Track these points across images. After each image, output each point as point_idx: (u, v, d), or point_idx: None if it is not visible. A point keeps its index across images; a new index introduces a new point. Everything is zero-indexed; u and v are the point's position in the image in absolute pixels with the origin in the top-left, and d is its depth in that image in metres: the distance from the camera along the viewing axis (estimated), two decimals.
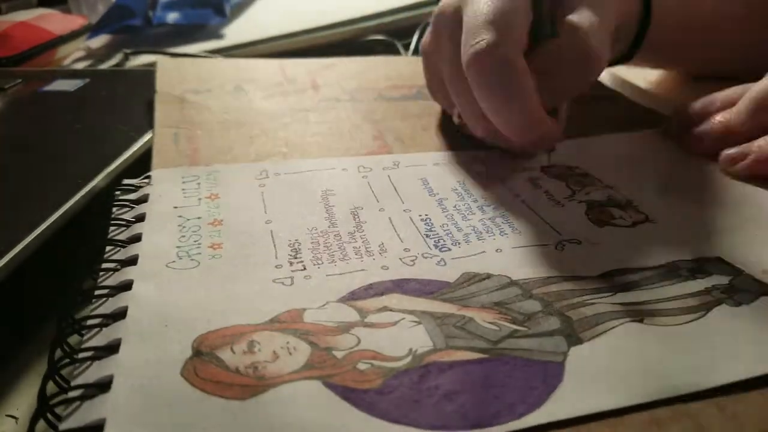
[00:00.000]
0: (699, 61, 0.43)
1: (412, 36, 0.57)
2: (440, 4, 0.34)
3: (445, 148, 0.35)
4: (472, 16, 0.29)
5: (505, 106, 0.29)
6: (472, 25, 0.29)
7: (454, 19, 0.31)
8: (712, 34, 0.40)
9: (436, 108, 0.40)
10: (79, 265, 0.25)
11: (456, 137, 0.36)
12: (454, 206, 0.29)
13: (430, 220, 0.28)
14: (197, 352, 0.20)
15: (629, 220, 0.28)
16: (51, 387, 0.19)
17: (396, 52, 0.56)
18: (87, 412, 0.18)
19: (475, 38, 0.28)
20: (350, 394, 0.18)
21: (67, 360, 0.20)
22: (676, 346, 0.20)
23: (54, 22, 0.60)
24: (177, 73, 0.43)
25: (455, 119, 0.36)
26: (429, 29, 0.35)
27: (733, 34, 0.40)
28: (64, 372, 0.20)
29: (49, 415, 0.19)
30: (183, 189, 0.29)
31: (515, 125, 0.29)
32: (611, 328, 0.21)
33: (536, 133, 0.29)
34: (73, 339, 0.21)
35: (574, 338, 0.20)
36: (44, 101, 0.43)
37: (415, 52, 0.56)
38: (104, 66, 0.57)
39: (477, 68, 0.28)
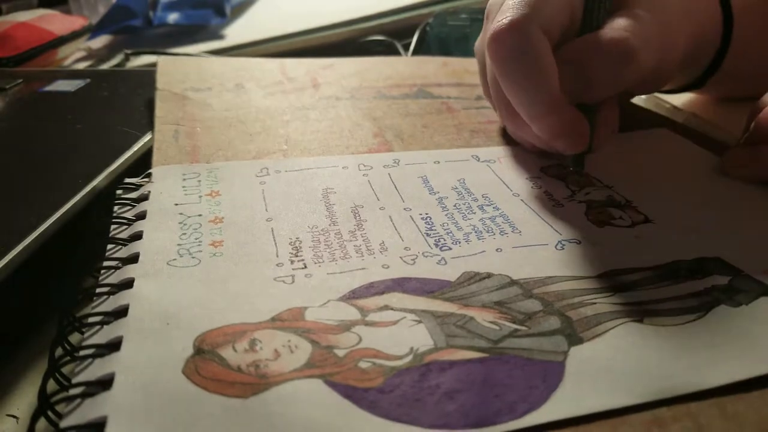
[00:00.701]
0: None
1: (412, 36, 0.57)
2: None
3: (446, 146, 0.35)
4: (507, 1, 0.29)
5: (520, 86, 0.28)
6: (504, 7, 0.29)
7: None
8: None
9: (436, 106, 0.40)
10: (79, 265, 0.25)
11: (455, 135, 0.36)
12: (455, 205, 0.29)
13: (431, 218, 0.28)
14: (199, 350, 0.20)
15: (629, 220, 0.28)
16: (51, 385, 0.19)
17: (396, 53, 0.56)
18: (88, 410, 0.18)
19: (499, 17, 0.28)
20: (351, 393, 0.18)
21: (67, 358, 0.20)
22: (676, 346, 0.20)
23: (55, 22, 0.60)
24: (178, 72, 0.43)
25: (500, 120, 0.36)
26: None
27: None
28: (64, 370, 0.20)
29: (49, 413, 0.19)
30: (184, 186, 0.29)
31: (531, 107, 0.28)
32: (611, 328, 0.21)
33: (553, 120, 0.28)
34: (74, 337, 0.21)
35: (574, 338, 0.20)
36: (45, 101, 0.42)
37: (415, 52, 0.56)
38: (105, 66, 0.57)
39: (493, 46, 0.28)
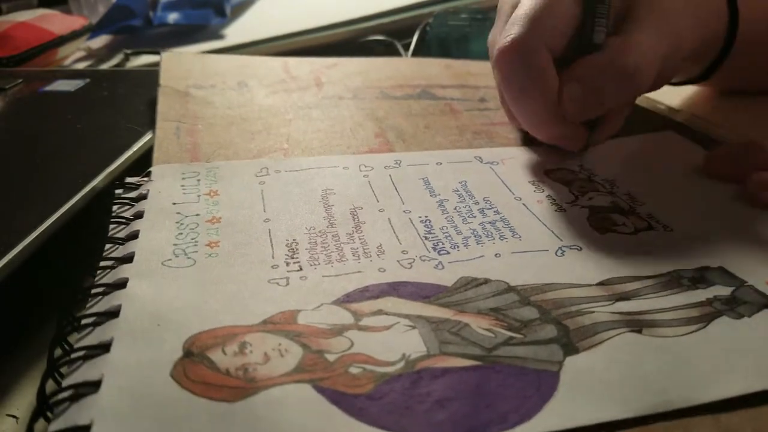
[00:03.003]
0: None
1: (412, 36, 0.56)
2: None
3: (448, 148, 0.35)
4: (515, 13, 0.30)
5: (522, 101, 0.30)
6: (510, 22, 0.30)
7: (509, 14, 0.31)
8: None
9: (439, 107, 0.40)
10: (79, 265, 0.25)
11: (458, 136, 0.36)
12: (455, 208, 0.29)
13: (430, 222, 0.28)
14: (188, 353, 0.19)
15: (631, 227, 0.27)
16: (51, 385, 0.19)
17: (396, 53, 0.56)
18: (76, 413, 0.18)
19: (506, 33, 0.29)
20: (340, 399, 0.18)
21: (66, 358, 0.20)
22: (674, 358, 0.19)
23: (54, 22, 0.60)
24: (181, 68, 0.43)
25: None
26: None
27: None
28: (63, 370, 0.20)
29: (48, 414, 0.18)
30: (182, 185, 0.29)
31: (531, 120, 0.31)
32: (609, 338, 0.20)
33: (554, 131, 0.31)
34: (73, 337, 0.21)
35: (570, 347, 0.20)
36: (45, 101, 0.43)
37: (415, 52, 0.56)
38: (105, 66, 0.57)
39: (500, 63, 0.30)
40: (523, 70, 0.29)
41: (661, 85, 0.35)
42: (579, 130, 0.32)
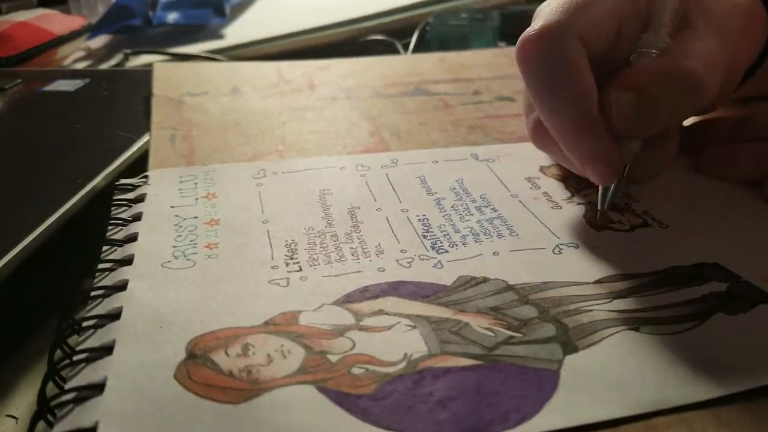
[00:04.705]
0: None
1: (411, 36, 0.57)
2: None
3: (443, 143, 0.35)
4: (545, 6, 0.26)
5: (550, 98, 0.25)
6: (540, 12, 0.26)
7: None
8: None
9: (433, 103, 0.40)
10: (79, 265, 0.25)
11: (453, 132, 0.36)
12: (452, 206, 0.29)
13: (428, 220, 0.28)
14: (191, 355, 0.20)
15: (627, 224, 0.27)
16: (52, 388, 0.19)
17: (396, 52, 0.56)
18: (80, 415, 0.18)
19: (534, 24, 0.26)
20: (344, 400, 0.18)
21: (67, 361, 0.20)
22: (672, 356, 0.20)
23: (54, 22, 0.60)
24: (174, 77, 0.43)
25: None
26: None
27: None
28: (63, 373, 0.20)
29: (49, 416, 0.18)
30: (180, 188, 0.29)
31: (561, 123, 0.26)
32: (607, 337, 0.21)
33: (589, 145, 0.25)
34: (73, 340, 0.21)
35: (569, 346, 0.20)
36: (44, 101, 0.43)
37: (415, 52, 0.56)
38: (104, 66, 0.57)
39: (521, 54, 0.25)
40: (550, 61, 0.25)
41: (721, 103, 0.31)
42: (614, 150, 0.25)
